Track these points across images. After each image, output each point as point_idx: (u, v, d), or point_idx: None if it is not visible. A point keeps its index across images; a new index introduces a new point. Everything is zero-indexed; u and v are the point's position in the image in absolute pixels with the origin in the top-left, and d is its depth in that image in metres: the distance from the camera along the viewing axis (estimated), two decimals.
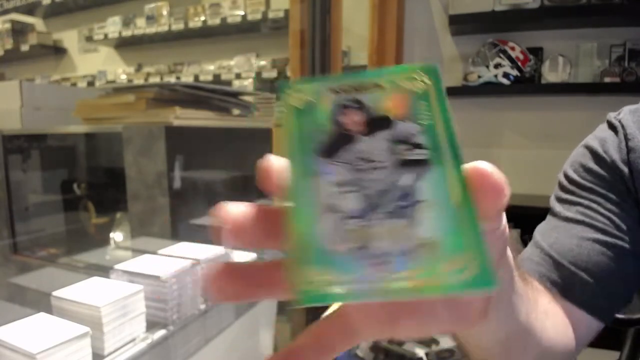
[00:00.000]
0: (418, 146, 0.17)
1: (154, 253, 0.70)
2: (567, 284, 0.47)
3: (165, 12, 2.95)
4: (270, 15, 2.59)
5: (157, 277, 0.60)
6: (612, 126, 0.54)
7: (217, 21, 2.74)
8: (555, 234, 0.50)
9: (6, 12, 3.59)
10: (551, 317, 0.43)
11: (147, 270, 0.61)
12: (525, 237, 1.85)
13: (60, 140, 1.21)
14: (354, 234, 0.15)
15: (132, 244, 0.96)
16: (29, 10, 3.56)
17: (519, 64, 1.97)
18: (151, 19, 2.99)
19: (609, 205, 0.48)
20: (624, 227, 0.47)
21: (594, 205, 0.48)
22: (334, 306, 0.43)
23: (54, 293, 0.55)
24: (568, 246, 0.48)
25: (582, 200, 0.50)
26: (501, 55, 1.98)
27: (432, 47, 2.28)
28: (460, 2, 2.00)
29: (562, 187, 0.53)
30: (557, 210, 0.52)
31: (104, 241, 1.11)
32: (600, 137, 0.54)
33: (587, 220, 0.48)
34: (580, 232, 0.48)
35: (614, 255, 0.47)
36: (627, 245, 0.47)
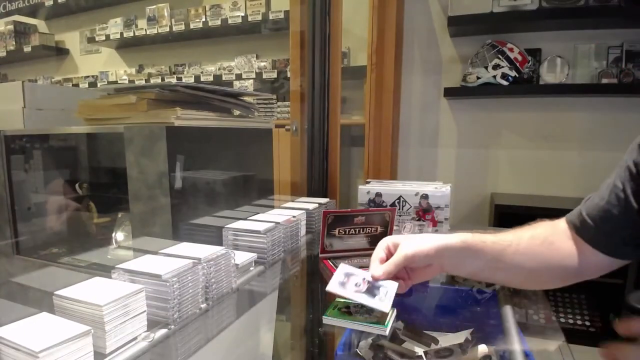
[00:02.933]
0: None
1: (155, 253, 0.71)
2: (578, 227, 0.68)
3: (166, 14, 2.96)
4: (271, 16, 2.59)
5: (158, 277, 0.60)
6: None
7: (217, 22, 2.75)
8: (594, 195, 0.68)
9: (9, 13, 3.60)
10: (556, 244, 0.68)
11: (148, 269, 0.62)
12: None
13: (62, 140, 1.22)
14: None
15: (133, 244, 0.96)
16: (32, 11, 3.57)
17: (518, 65, 1.98)
18: (152, 20, 3.00)
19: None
20: (636, 186, 0.61)
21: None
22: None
23: (56, 292, 0.55)
24: (592, 201, 0.67)
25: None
26: (500, 56, 1.99)
27: (431, 48, 2.29)
28: (459, 3, 2.01)
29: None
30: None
31: (106, 241, 1.12)
32: None
33: (616, 184, 0.64)
34: (605, 192, 0.65)
35: (620, 208, 0.63)
36: (634, 204, 0.61)
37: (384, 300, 0.65)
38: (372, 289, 0.67)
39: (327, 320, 0.68)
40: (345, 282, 0.68)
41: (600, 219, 0.65)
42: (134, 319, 0.56)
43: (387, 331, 0.64)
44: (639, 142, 0.64)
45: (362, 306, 0.69)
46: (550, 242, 0.69)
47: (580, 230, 0.68)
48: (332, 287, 0.68)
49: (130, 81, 3.27)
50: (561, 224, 0.71)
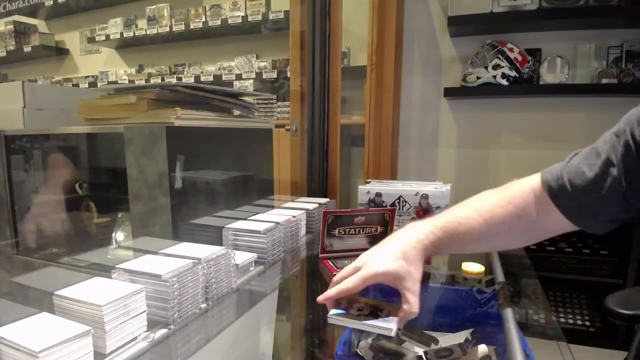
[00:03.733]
0: None
1: (155, 253, 0.71)
2: (555, 190, 0.65)
3: (166, 14, 2.96)
4: (271, 16, 2.59)
5: (158, 277, 0.60)
6: None
7: (217, 22, 2.75)
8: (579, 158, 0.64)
9: (9, 13, 3.60)
10: (525, 215, 0.66)
11: (148, 269, 0.62)
12: None
13: (62, 140, 1.21)
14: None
15: (133, 244, 0.97)
16: (32, 11, 3.57)
17: (518, 65, 1.98)
18: (152, 20, 3.00)
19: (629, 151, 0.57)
20: (630, 165, 0.57)
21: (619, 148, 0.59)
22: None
23: (56, 292, 0.55)
24: (577, 167, 0.63)
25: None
26: (500, 56, 1.99)
27: (431, 49, 2.29)
28: (459, 3, 2.01)
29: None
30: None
31: (106, 241, 1.12)
32: None
33: (610, 158, 0.59)
34: (596, 162, 0.61)
35: (608, 185, 0.59)
36: (624, 183, 0.57)
37: (388, 322, 0.64)
38: (375, 312, 0.67)
39: (332, 320, 0.67)
40: (348, 308, 0.68)
41: (582, 190, 0.61)
42: (134, 319, 0.56)
43: (392, 331, 0.64)
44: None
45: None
46: (520, 216, 0.67)
47: (555, 194, 0.64)
48: (334, 316, 0.66)
49: (130, 81, 3.27)
50: (533, 180, 0.68)
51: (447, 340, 0.70)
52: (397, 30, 2.08)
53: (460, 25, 2.07)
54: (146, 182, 0.90)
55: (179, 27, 2.89)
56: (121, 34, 3.15)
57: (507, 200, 0.68)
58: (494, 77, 2.00)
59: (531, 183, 0.68)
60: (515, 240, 0.71)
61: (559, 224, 0.65)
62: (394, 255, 0.65)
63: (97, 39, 3.26)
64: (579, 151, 0.66)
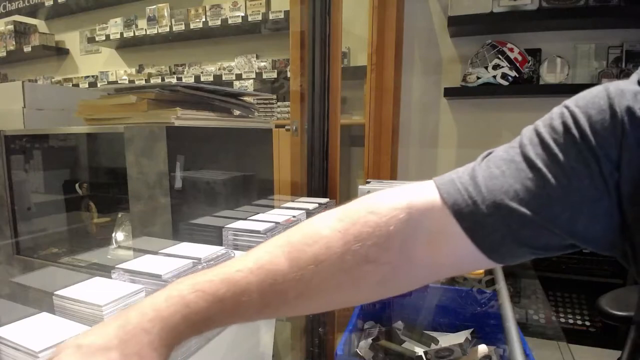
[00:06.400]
0: None
1: (155, 253, 0.71)
2: (460, 209, 0.41)
3: (166, 14, 2.96)
4: (271, 16, 2.59)
5: (158, 277, 0.60)
6: None
7: (217, 22, 2.75)
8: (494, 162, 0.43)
9: (9, 13, 3.60)
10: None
11: (148, 269, 0.62)
12: None
13: (62, 140, 1.22)
14: None
15: (133, 244, 0.96)
16: (32, 11, 3.57)
17: (518, 65, 1.98)
18: (152, 20, 3.00)
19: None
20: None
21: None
22: None
23: (56, 292, 0.56)
24: (491, 172, 0.41)
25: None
26: (500, 56, 1.99)
27: (431, 49, 2.29)
28: (459, 3, 2.01)
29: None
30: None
31: (106, 241, 1.12)
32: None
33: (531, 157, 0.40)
34: (517, 164, 0.40)
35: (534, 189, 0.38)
36: (559, 191, 0.37)
37: None
38: None
39: None
40: None
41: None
42: None
43: None
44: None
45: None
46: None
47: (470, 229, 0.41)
48: None
49: (130, 81, 3.27)
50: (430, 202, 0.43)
51: (447, 340, 0.71)
52: (397, 30, 2.08)
53: (460, 25, 2.07)
54: (146, 182, 0.90)
55: (179, 27, 2.89)
56: (121, 34, 3.15)
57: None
58: (494, 77, 2.00)
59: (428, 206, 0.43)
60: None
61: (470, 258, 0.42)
62: (98, 345, 0.36)
63: (97, 39, 3.26)
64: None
